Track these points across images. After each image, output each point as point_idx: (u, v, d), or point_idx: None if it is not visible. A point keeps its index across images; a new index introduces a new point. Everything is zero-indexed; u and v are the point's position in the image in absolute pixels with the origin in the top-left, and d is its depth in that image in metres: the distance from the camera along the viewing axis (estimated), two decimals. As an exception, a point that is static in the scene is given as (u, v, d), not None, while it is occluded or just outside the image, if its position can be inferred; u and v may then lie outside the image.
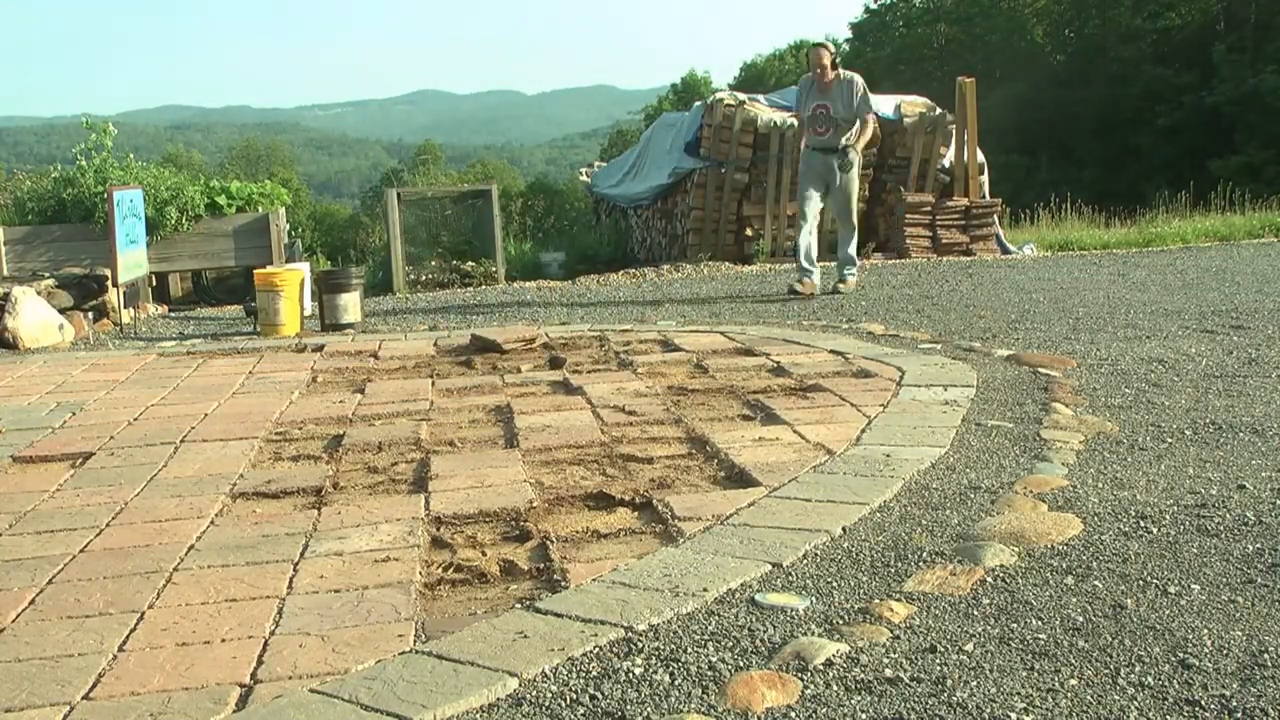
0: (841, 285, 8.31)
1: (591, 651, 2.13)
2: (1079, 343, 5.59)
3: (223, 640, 2.27)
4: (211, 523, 3.09)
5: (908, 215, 11.95)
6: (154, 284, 10.43)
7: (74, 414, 4.66)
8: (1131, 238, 13.55)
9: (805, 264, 8.14)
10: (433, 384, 4.98)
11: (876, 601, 2.33)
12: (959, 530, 2.76)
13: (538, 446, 3.75)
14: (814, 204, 8.22)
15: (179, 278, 11.26)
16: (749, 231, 12.32)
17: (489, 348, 5.51)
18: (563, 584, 2.49)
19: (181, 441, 4.07)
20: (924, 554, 2.61)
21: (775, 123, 12.07)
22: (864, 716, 1.86)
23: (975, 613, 2.27)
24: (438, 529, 2.96)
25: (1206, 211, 16.19)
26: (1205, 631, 2.13)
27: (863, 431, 3.77)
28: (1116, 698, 1.89)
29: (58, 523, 3.16)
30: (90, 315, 8.12)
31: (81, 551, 2.89)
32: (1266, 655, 2.02)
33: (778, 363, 5.16)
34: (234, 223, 10.63)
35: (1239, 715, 1.82)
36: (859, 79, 8.09)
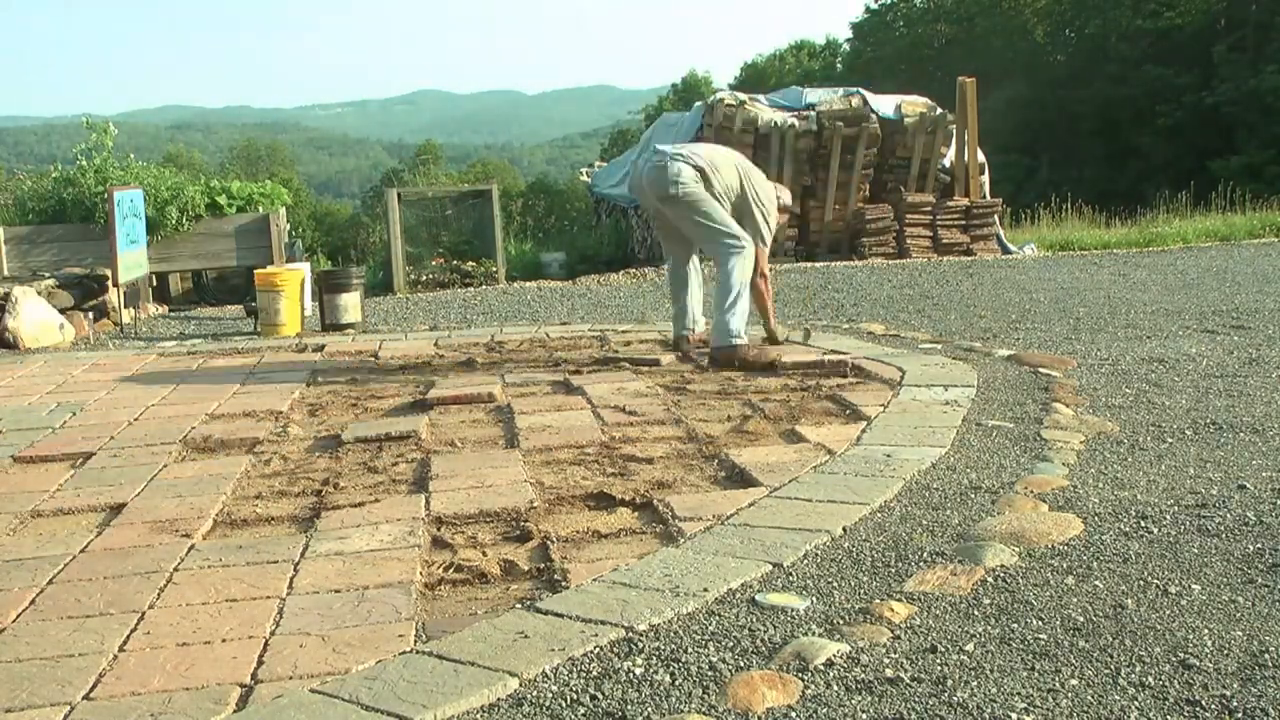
0: None
1: (592, 651, 2.13)
2: (1079, 343, 5.59)
3: (223, 640, 2.27)
4: (212, 522, 3.09)
5: (908, 215, 11.95)
6: (154, 284, 10.43)
7: (74, 414, 4.65)
8: (1132, 238, 13.55)
9: None
10: (433, 383, 4.98)
11: (877, 601, 2.33)
12: (959, 530, 2.76)
13: (538, 446, 3.75)
14: None
15: (179, 278, 11.26)
16: (749, 231, 12.31)
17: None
18: (563, 584, 2.49)
19: (182, 441, 4.07)
20: (924, 554, 2.60)
21: (776, 123, 12.06)
22: (864, 716, 1.86)
23: (976, 613, 2.27)
24: (438, 529, 2.95)
25: (1207, 211, 16.18)
26: (1206, 631, 2.13)
27: (863, 431, 3.77)
28: (1117, 698, 1.89)
29: (58, 523, 3.16)
30: (91, 315, 8.13)
31: (82, 551, 2.89)
32: (1267, 655, 2.02)
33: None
34: (234, 223, 10.63)
35: (1239, 715, 1.82)
36: None
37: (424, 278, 11.26)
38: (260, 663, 2.15)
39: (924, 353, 5.35)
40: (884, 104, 12.49)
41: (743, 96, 12.75)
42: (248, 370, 5.63)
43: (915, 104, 12.65)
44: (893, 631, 2.19)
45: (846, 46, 49.44)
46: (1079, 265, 10.23)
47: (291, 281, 7.51)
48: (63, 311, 7.88)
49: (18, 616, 2.46)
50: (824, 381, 4.66)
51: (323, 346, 6.36)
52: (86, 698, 2.04)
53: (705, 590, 2.40)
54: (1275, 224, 13.82)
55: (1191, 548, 2.60)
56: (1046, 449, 3.49)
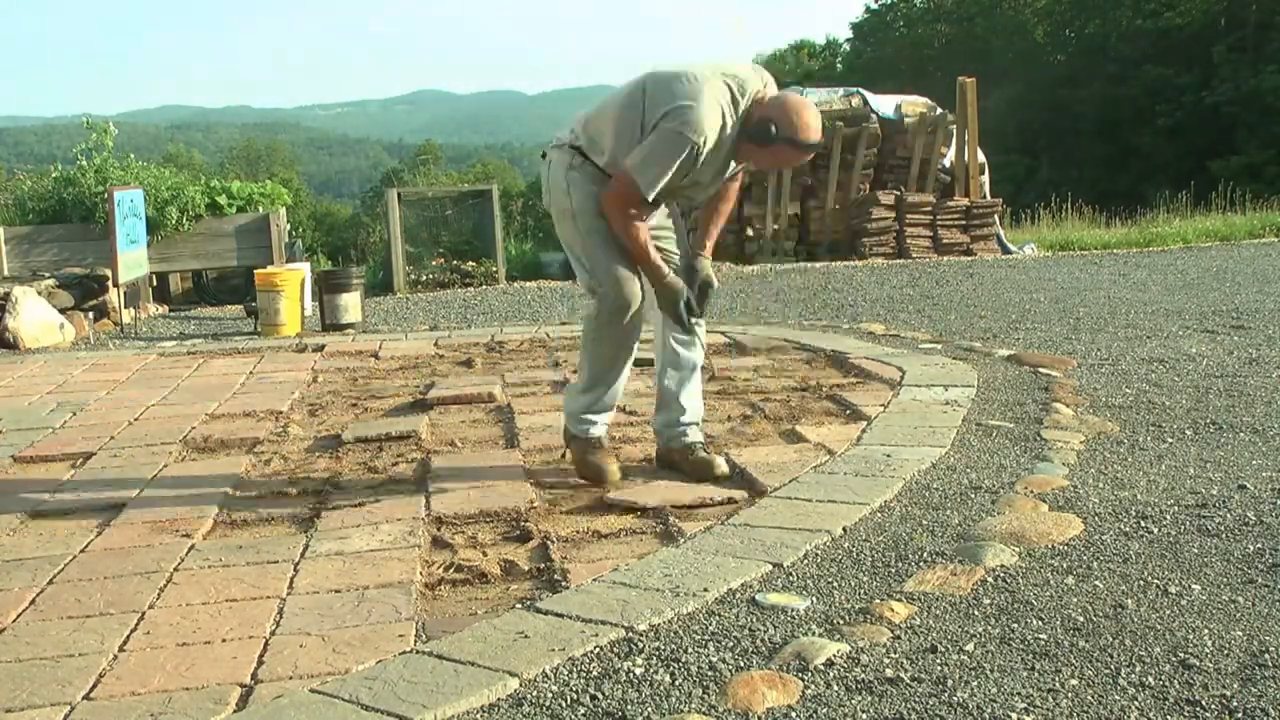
0: None
1: (592, 651, 2.13)
2: (1079, 343, 5.59)
3: (223, 640, 2.27)
4: (212, 522, 3.09)
5: (908, 215, 11.95)
6: (154, 284, 10.43)
7: (75, 414, 4.65)
8: (1132, 238, 13.54)
9: None
10: (433, 384, 4.97)
11: (877, 601, 2.33)
12: (960, 530, 2.76)
13: (538, 446, 3.75)
14: None
15: (179, 278, 11.25)
16: (749, 231, 12.32)
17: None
18: (563, 584, 2.49)
19: (182, 441, 4.07)
20: (925, 554, 2.60)
21: (776, 123, 12.04)
22: (865, 716, 1.86)
23: (976, 613, 2.27)
24: (438, 529, 2.95)
25: (1207, 211, 16.17)
26: (1206, 631, 2.13)
27: (863, 432, 3.76)
28: (1117, 698, 1.89)
29: (58, 523, 3.16)
30: (91, 315, 8.13)
31: (82, 551, 2.89)
32: (1267, 655, 2.02)
33: (778, 362, 5.16)
34: (235, 223, 10.62)
35: (1239, 715, 1.82)
36: None
37: (424, 278, 11.25)
38: (260, 663, 2.15)
39: (924, 353, 5.35)
40: (884, 104, 12.48)
41: (743, 97, 12.73)
42: (248, 371, 5.63)
43: (915, 104, 12.64)
44: (893, 631, 2.19)
45: (846, 46, 49.40)
46: (1079, 265, 10.23)
47: (291, 281, 7.51)
48: (63, 311, 7.88)
49: (18, 616, 2.46)
50: (824, 381, 4.66)
51: (323, 346, 6.36)
52: (86, 698, 2.04)
53: (705, 590, 2.40)
54: (1275, 224, 13.82)
55: (1191, 548, 2.60)
56: (1046, 449, 3.49)
